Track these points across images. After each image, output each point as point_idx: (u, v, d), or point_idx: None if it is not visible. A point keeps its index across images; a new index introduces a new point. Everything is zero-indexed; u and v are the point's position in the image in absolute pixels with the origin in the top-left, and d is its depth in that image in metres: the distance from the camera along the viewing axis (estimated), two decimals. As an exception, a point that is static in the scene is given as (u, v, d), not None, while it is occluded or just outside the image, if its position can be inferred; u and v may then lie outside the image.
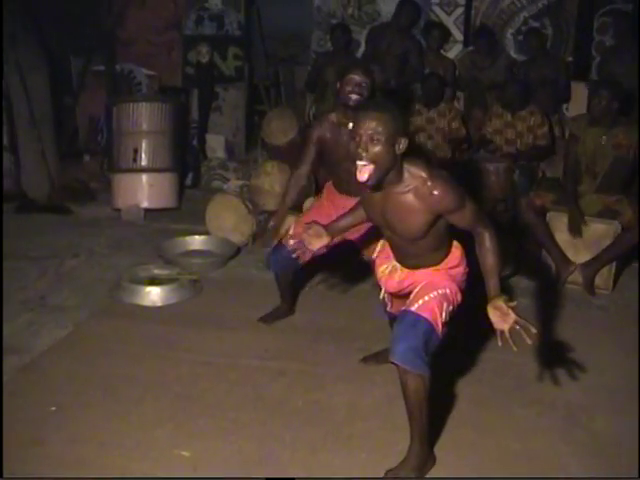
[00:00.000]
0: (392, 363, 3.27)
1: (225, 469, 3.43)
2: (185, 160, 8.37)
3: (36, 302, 5.22)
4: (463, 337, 4.35)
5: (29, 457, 3.44)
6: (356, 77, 4.42)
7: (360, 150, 3.05)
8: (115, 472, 3.39)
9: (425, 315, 3.27)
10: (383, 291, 3.78)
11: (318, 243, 3.69)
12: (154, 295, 5.29)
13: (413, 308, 3.31)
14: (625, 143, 5.73)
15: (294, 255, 3.77)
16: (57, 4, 8.44)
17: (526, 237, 6.10)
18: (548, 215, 5.89)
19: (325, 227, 3.73)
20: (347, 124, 4.54)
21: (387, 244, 3.65)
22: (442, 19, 8.45)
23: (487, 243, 3.23)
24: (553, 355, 4.63)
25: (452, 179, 3.19)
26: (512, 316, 3.08)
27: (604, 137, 5.75)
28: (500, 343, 3.12)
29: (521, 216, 6.00)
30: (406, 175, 3.18)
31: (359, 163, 3.07)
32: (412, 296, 3.39)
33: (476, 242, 3.29)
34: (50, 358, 4.42)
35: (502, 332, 3.12)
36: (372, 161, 3.06)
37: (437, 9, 8.44)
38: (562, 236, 5.85)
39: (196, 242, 6.46)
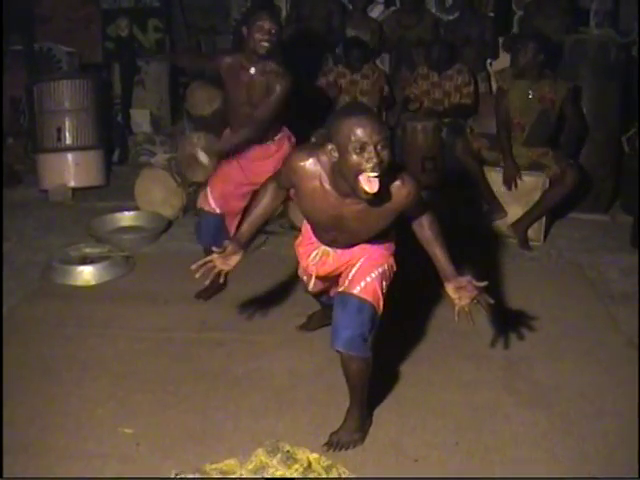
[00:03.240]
0: (336, 350, 3.26)
1: (169, 443, 3.43)
2: (110, 136, 8.25)
3: (-34, 288, 5.12)
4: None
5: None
6: (266, 24, 4.38)
7: (375, 160, 2.77)
8: (59, 453, 3.36)
9: (369, 299, 3.26)
10: (312, 279, 3.63)
11: (233, 261, 3.38)
12: (87, 274, 5.23)
13: (355, 291, 3.27)
14: (550, 96, 5.79)
15: (207, 282, 3.46)
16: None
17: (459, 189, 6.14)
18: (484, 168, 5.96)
19: (234, 239, 3.48)
20: (250, 70, 4.51)
21: (308, 230, 3.55)
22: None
23: (433, 227, 3.24)
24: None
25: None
26: (474, 292, 3.14)
27: (530, 90, 5.79)
28: (457, 318, 3.17)
29: (458, 158, 6.01)
30: None
31: (370, 175, 2.80)
32: (351, 276, 3.34)
33: (418, 224, 3.26)
34: (-17, 344, 4.34)
35: (462, 308, 3.16)
36: (383, 170, 2.82)
37: (357, -31, 8.37)
38: (495, 190, 5.90)
39: (126, 218, 6.38)
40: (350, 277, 3.33)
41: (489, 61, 8.06)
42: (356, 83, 7.35)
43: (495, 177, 5.91)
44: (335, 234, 3.30)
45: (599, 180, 6.43)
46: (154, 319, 4.65)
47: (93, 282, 5.20)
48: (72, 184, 7.32)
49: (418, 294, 4.68)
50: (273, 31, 4.38)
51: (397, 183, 3.00)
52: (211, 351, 4.23)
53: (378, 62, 8.04)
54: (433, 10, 8.39)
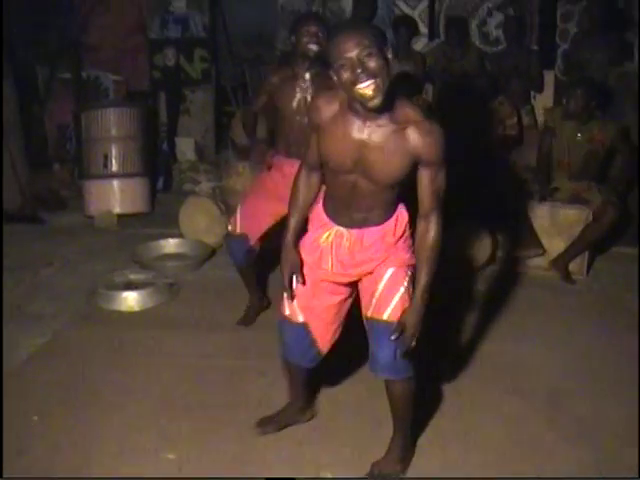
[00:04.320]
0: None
1: (210, 469, 3.44)
2: (156, 164, 8.35)
3: (13, 312, 5.17)
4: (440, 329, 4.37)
5: (15, 468, 3.42)
6: (312, 27, 4.40)
7: (358, 71, 2.74)
8: (100, 476, 3.40)
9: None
10: (329, 262, 3.28)
11: (295, 261, 3.33)
12: (131, 300, 5.28)
13: (385, 317, 3.15)
14: (599, 137, 5.80)
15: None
16: (20, 12, 8.38)
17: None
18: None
19: (288, 246, 3.35)
20: (304, 75, 4.50)
21: (319, 213, 3.33)
22: (407, 13, 8.43)
23: (433, 243, 3.06)
24: (531, 342, 4.67)
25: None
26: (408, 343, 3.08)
27: (578, 133, 5.82)
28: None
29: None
30: (400, 111, 2.94)
31: (361, 86, 2.76)
32: (377, 296, 3.19)
33: (424, 226, 3.07)
34: (30, 367, 4.39)
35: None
36: (374, 75, 2.75)
37: (401, 3, 8.44)
38: (537, 223, 5.89)
39: (170, 245, 6.45)
40: (377, 297, 3.19)
41: (533, 94, 8.07)
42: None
43: (537, 212, 5.91)
44: (355, 179, 3.07)
45: (642, 214, 6.40)
46: (197, 346, 4.68)
47: (137, 308, 5.26)
48: (117, 210, 7.42)
49: (459, 327, 4.69)
50: (320, 34, 4.39)
51: (425, 126, 2.91)
52: (253, 379, 4.25)
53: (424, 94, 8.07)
54: (477, 43, 8.44)
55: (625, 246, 6.37)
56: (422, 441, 3.64)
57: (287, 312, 3.41)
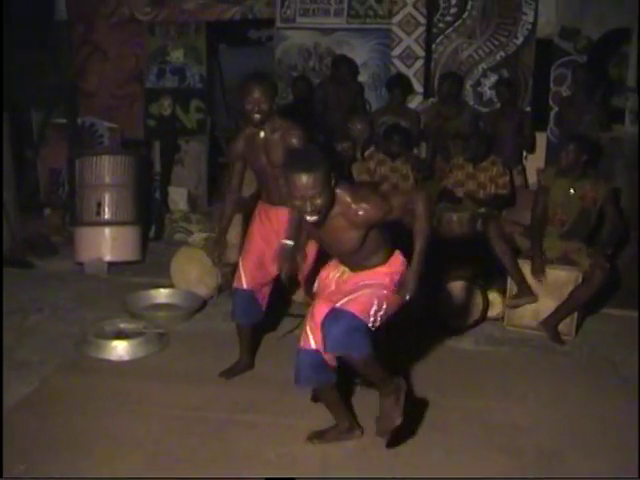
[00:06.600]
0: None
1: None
2: (148, 213, 8.37)
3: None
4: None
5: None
6: (255, 94, 4.49)
7: (306, 209, 3.45)
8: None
9: (349, 309, 3.63)
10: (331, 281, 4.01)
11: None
12: (121, 349, 5.25)
13: (338, 305, 3.67)
14: (591, 195, 5.86)
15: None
16: (17, 56, 8.44)
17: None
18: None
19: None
20: (259, 135, 4.64)
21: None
22: (402, 72, 8.51)
23: (421, 208, 3.64)
24: (520, 401, 4.67)
25: (373, 191, 3.78)
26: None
27: (572, 189, 5.86)
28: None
29: (489, 240, 6.05)
30: (336, 201, 3.56)
31: (308, 218, 3.50)
32: (346, 300, 3.71)
33: (412, 215, 3.69)
34: (17, 415, 4.35)
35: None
36: (318, 212, 3.48)
37: (397, 62, 8.53)
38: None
39: (161, 295, 6.44)
40: (348, 298, 3.72)
41: (525, 155, 8.15)
42: (396, 169, 7.35)
43: (527, 271, 5.93)
44: (332, 251, 3.95)
45: (632, 276, 6.43)
46: (187, 398, 4.65)
47: (127, 357, 5.23)
48: (108, 258, 7.42)
49: (447, 386, 4.68)
50: (262, 101, 4.50)
51: (345, 205, 3.57)
52: (243, 433, 4.22)
53: (416, 150, 8.14)
54: (471, 103, 8.54)
55: (613, 307, 6.40)
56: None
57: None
